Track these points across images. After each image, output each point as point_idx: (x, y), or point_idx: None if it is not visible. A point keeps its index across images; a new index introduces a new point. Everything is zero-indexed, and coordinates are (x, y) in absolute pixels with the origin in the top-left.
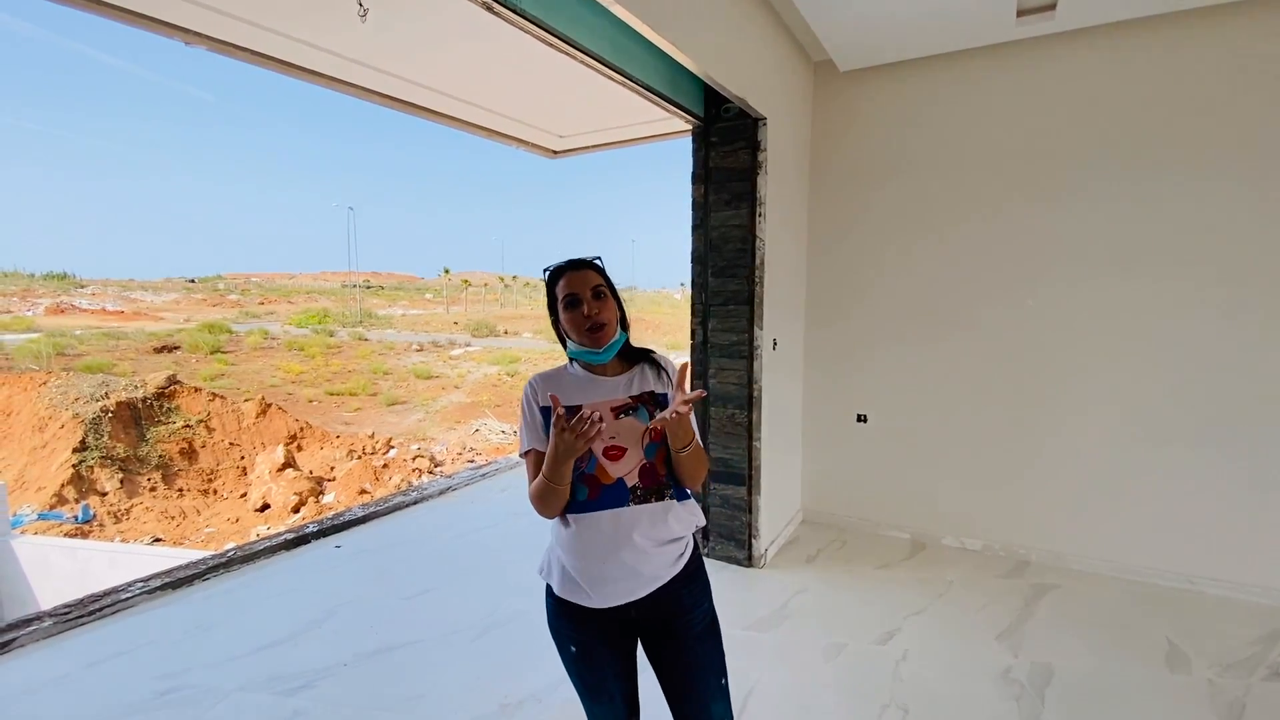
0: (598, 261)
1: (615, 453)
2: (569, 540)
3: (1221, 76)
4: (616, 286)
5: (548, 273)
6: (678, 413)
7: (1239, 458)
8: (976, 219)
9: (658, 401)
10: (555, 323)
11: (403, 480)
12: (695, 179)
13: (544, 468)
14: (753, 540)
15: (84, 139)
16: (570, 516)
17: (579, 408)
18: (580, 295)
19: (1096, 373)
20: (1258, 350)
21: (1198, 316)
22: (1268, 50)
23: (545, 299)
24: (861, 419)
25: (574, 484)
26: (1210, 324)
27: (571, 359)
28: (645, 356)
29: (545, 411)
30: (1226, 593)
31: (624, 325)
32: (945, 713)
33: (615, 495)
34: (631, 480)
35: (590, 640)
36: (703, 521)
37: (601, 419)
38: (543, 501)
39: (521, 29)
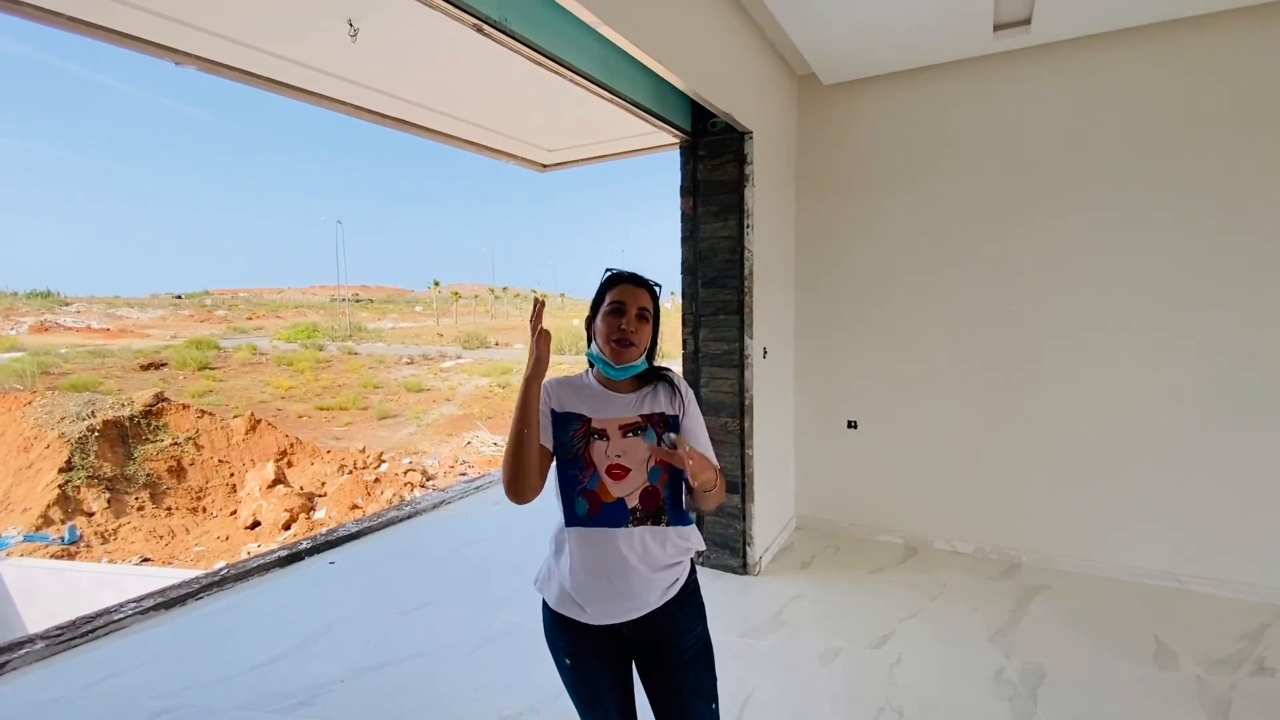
0: (656, 287)
1: (619, 472)
2: (566, 555)
3: (1191, 84)
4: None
5: (608, 273)
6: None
7: (1224, 457)
8: (961, 226)
9: (667, 424)
10: (590, 320)
11: (395, 495)
12: (684, 191)
13: (517, 404)
14: (747, 548)
15: (70, 156)
16: (569, 530)
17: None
18: (626, 307)
19: (1082, 376)
20: (1243, 352)
21: (1182, 320)
22: (1235, 60)
23: (533, 309)
24: (852, 425)
25: (575, 498)
26: (1194, 327)
27: (590, 365)
28: (660, 376)
29: (554, 415)
30: (1213, 590)
31: (650, 355)
32: (939, 715)
33: (614, 514)
34: (632, 502)
35: (585, 654)
36: (701, 546)
37: (542, 309)
38: (508, 457)
39: (511, 49)
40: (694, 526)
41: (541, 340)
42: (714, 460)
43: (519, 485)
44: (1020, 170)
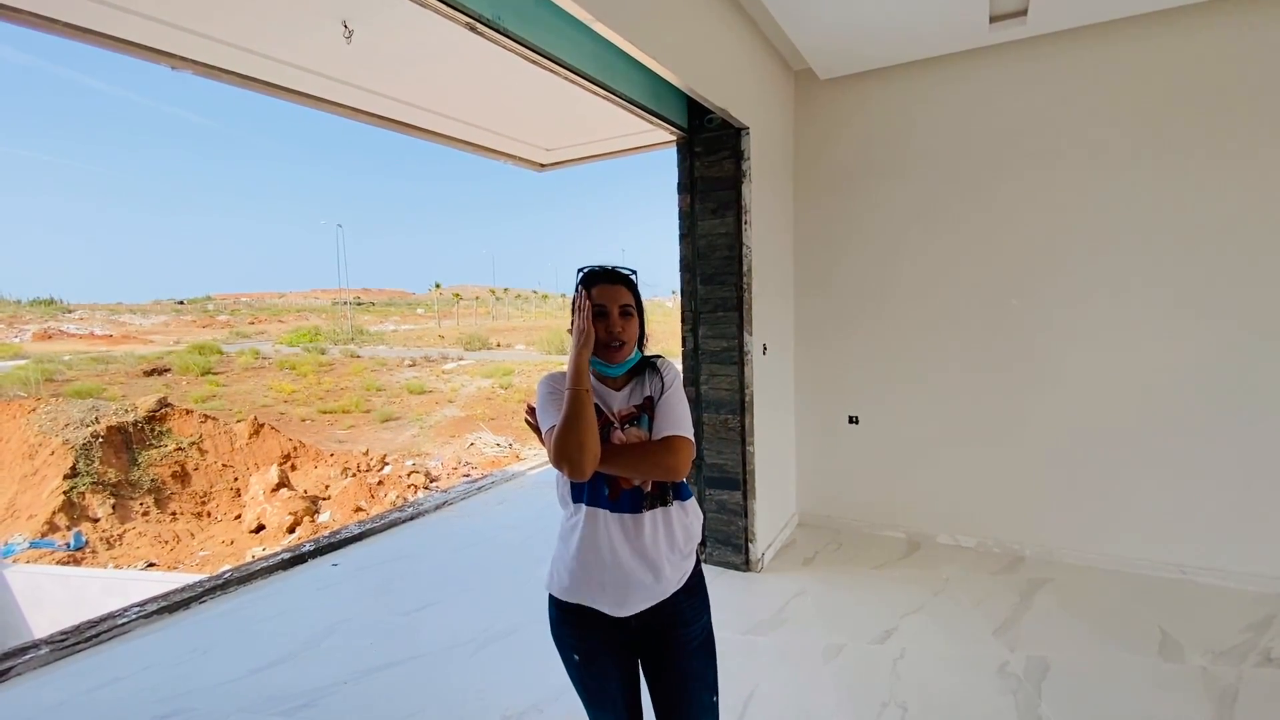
0: (633, 277)
1: None
2: (585, 544)
3: (1191, 71)
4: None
5: (581, 274)
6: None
7: (1228, 448)
8: (960, 219)
9: (651, 406)
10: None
11: (398, 497)
12: (681, 189)
13: (567, 377)
14: (749, 545)
15: (71, 163)
16: (590, 511)
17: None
18: (608, 309)
19: (1085, 368)
20: (1246, 342)
21: (1185, 310)
22: (1234, 46)
23: (543, 307)
24: (853, 420)
25: (601, 484)
26: (1197, 317)
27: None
28: (648, 364)
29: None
30: (1218, 581)
31: (641, 344)
32: (944, 709)
33: (633, 500)
34: (646, 488)
35: (592, 648)
36: (699, 516)
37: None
38: (568, 427)
39: (505, 48)
40: (693, 499)
41: (590, 320)
42: (674, 429)
43: (588, 451)
44: (1019, 162)
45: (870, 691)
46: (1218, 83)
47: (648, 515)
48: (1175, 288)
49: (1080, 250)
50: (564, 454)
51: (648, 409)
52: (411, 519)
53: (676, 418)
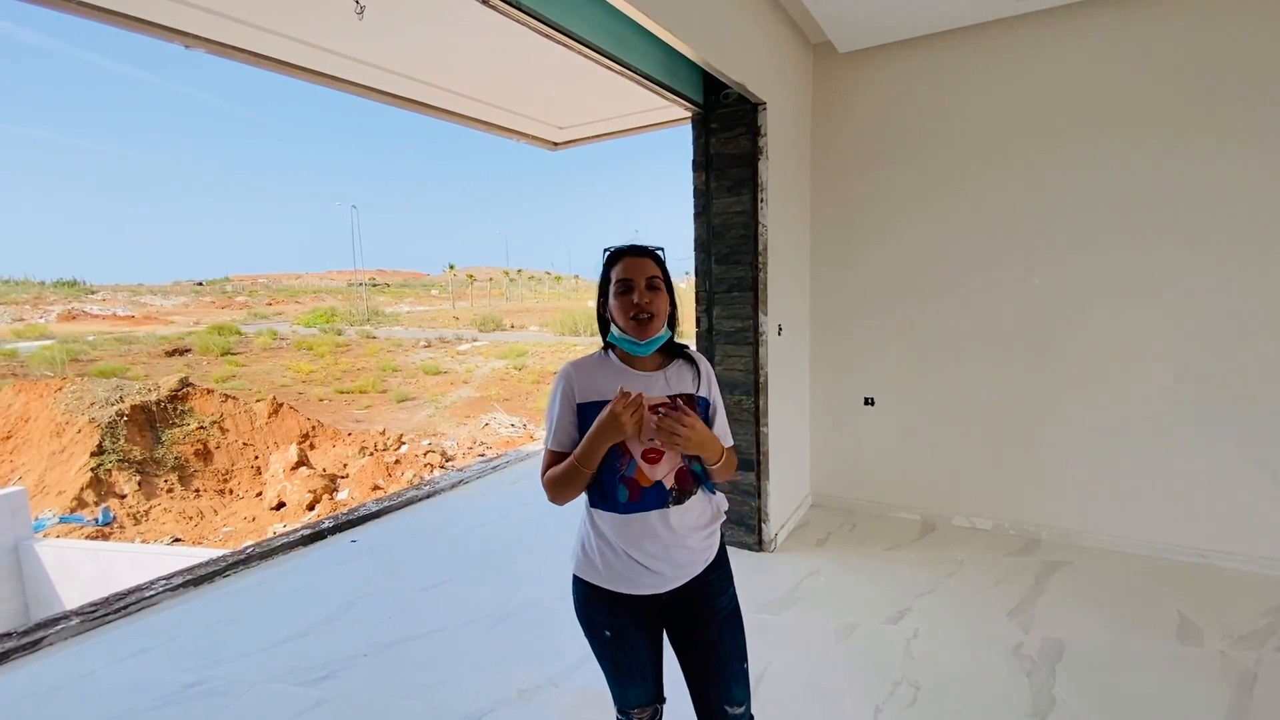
0: (659, 252)
1: (654, 456)
2: (608, 539)
3: (1228, 44)
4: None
5: (606, 253)
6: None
7: (1249, 431)
8: (980, 198)
9: (695, 405)
10: (602, 305)
11: (415, 476)
12: (696, 166)
13: (578, 449)
14: (763, 525)
15: (90, 145)
16: (607, 515)
17: (635, 394)
18: (634, 282)
19: (1104, 350)
20: (1267, 324)
21: (1206, 291)
22: (1268, 10)
23: (556, 289)
24: (869, 402)
25: (616, 485)
26: (1220, 299)
27: (608, 346)
28: (681, 352)
29: (581, 409)
30: (1238, 565)
31: (672, 323)
32: (956, 689)
33: (656, 497)
34: (669, 483)
35: (625, 625)
36: (725, 505)
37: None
38: (560, 485)
39: (519, 22)
40: (719, 493)
41: (630, 404)
42: (728, 439)
43: (567, 500)
44: (1043, 138)
45: (883, 671)
46: (1261, 48)
47: (674, 509)
48: (1202, 272)
49: (1109, 231)
50: (549, 492)
51: (686, 405)
52: (428, 497)
53: (726, 427)
